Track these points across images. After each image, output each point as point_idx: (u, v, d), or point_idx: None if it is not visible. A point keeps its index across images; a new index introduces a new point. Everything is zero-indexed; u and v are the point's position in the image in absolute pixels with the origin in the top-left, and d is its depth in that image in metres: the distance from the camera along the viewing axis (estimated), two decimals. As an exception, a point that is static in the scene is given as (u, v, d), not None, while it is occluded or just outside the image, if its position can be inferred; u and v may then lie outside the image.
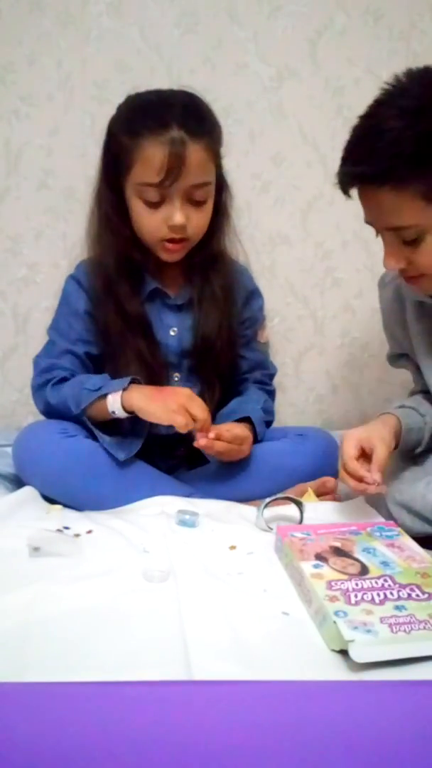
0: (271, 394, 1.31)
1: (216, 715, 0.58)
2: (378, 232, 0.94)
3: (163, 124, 1.04)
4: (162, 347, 1.18)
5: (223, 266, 1.21)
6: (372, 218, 0.92)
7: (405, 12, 1.46)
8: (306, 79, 1.47)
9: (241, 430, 1.12)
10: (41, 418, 1.22)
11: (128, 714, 0.57)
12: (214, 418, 1.17)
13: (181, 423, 1.02)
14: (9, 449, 1.21)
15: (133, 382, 1.08)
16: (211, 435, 1.06)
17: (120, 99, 1.45)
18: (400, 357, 1.19)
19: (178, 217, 1.06)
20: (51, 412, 1.16)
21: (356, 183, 0.90)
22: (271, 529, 0.98)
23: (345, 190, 0.92)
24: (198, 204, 1.09)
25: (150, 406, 1.04)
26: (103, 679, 0.63)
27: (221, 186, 1.16)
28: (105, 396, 1.07)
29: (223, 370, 1.22)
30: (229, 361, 1.23)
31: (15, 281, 1.54)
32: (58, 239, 1.52)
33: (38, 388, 1.17)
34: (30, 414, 1.58)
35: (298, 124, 1.49)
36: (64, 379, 1.14)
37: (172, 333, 1.19)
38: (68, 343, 1.16)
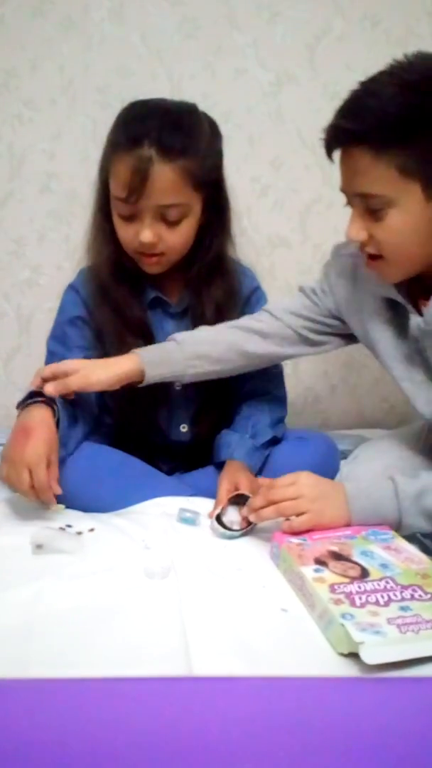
0: (276, 400, 1.24)
1: (217, 710, 0.58)
2: (348, 199, 0.92)
3: (135, 139, 1.01)
4: None
5: (224, 273, 1.17)
6: (346, 183, 0.91)
7: (402, 17, 1.47)
8: (304, 84, 1.49)
9: None
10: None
11: (129, 709, 0.57)
12: (213, 439, 1.17)
13: None
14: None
15: (39, 396, 1.02)
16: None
17: (122, 104, 1.47)
18: (314, 296, 1.16)
19: (146, 235, 1.04)
20: None
21: (340, 139, 0.88)
22: (235, 530, 0.97)
23: (329, 151, 0.91)
24: (171, 223, 1.05)
25: (9, 437, 1.00)
26: (104, 674, 0.64)
27: (217, 201, 1.11)
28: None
29: (224, 387, 1.18)
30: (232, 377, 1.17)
31: (18, 283, 1.56)
32: (60, 242, 1.53)
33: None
34: (32, 414, 1.60)
35: (296, 129, 1.51)
36: None
37: None
38: (65, 351, 1.14)
